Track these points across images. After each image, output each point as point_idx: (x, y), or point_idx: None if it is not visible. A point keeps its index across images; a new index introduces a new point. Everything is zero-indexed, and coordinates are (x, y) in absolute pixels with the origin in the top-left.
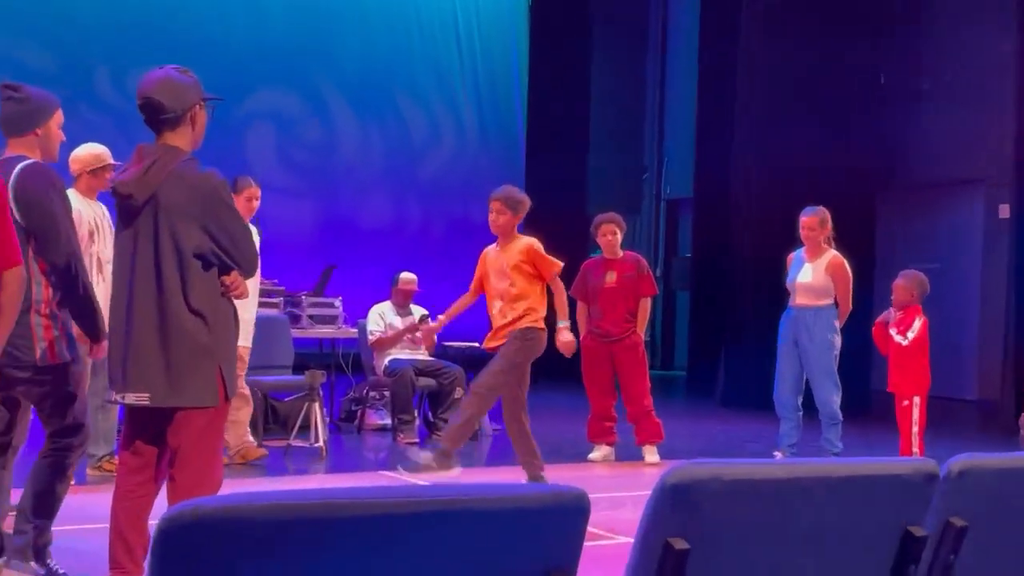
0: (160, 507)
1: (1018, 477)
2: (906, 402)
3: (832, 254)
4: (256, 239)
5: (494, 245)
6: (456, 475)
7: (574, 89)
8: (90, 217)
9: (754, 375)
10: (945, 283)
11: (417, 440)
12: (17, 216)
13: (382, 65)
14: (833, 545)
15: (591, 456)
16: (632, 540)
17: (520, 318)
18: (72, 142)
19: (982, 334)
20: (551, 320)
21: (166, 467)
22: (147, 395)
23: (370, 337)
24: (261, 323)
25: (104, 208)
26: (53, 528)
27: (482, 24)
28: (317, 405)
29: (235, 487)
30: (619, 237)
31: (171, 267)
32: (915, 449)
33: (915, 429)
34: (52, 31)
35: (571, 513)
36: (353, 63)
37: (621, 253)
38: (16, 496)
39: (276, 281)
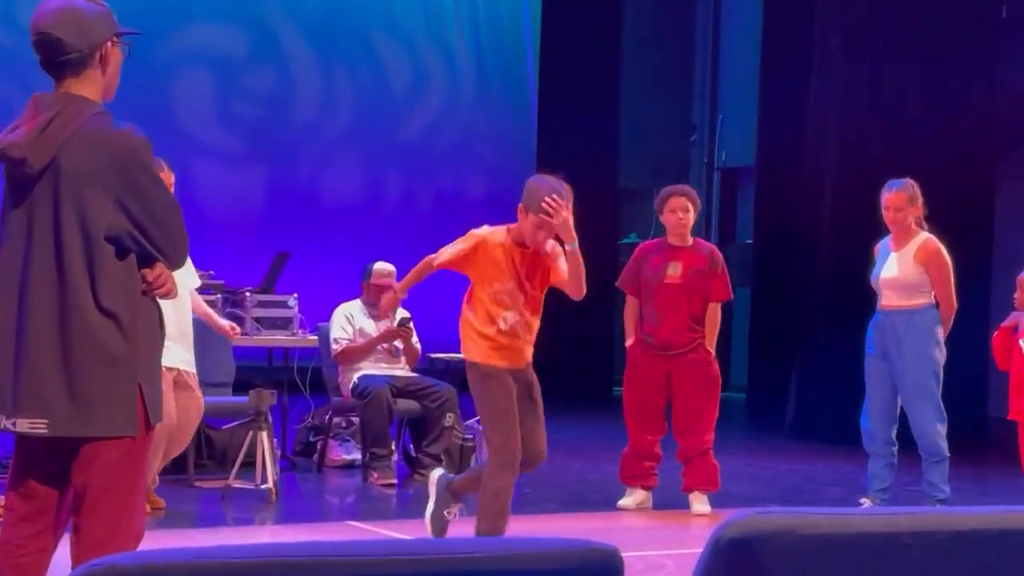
0: (60, 566)
1: None
2: None
3: (924, 238)
4: None
5: (507, 234)
6: (453, 517)
7: (602, 28)
8: None
9: (834, 399)
10: None
11: (395, 481)
12: None
13: None
14: None
15: (622, 502)
16: None
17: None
18: None
19: None
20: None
21: (68, 515)
22: (44, 422)
23: (334, 346)
24: (193, 329)
25: None
26: None
27: None
28: (265, 435)
29: (158, 541)
30: (692, 217)
31: (76, 254)
32: None
33: None
34: None
35: (600, 575)
36: None
37: (692, 240)
38: None
39: (211, 273)
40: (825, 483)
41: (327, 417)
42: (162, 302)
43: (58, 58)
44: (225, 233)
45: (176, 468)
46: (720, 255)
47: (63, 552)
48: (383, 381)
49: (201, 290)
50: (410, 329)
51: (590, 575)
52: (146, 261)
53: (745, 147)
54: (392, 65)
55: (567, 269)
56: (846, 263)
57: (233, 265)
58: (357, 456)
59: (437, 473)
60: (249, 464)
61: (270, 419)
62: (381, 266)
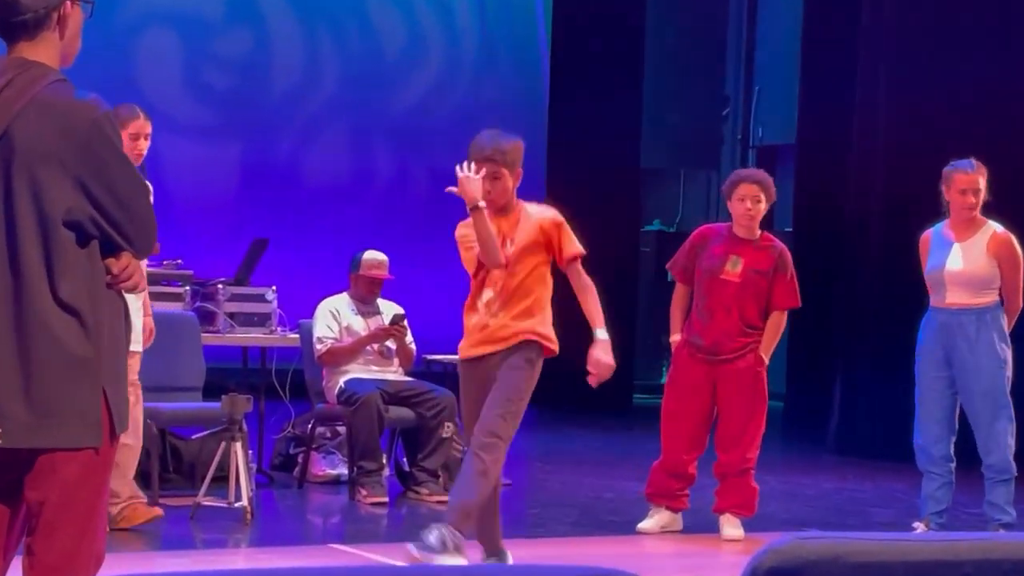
0: None
1: None
2: None
3: (994, 227)
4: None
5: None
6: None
7: None
8: None
9: (883, 409)
10: None
11: (386, 499)
12: None
13: None
14: None
15: (643, 525)
16: None
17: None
18: None
19: None
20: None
21: (20, 535)
22: None
23: (318, 346)
24: (157, 324)
25: None
26: None
27: None
28: (239, 446)
29: (120, 566)
30: (763, 208)
31: (31, 241)
32: None
33: None
34: None
35: None
36: None
37: (759, 233)
38: None
39: (179, 262)
40: (872, 504)
41: (309, 426)
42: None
43: (11, 19)
44: (194, 217)
45: (138, 484)
46: (790, 256)
47: None
48: (373, 386)
49: (167, 282)
50: (404, 327)
51: None
52: (111, 249)
53: (784, 123)
54: (384, 27)
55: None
56: (898, 256)
57: (203, 253)
58: (343, 471)
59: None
60: (221, 479)
61: (245, 428)
62: (371, 255)
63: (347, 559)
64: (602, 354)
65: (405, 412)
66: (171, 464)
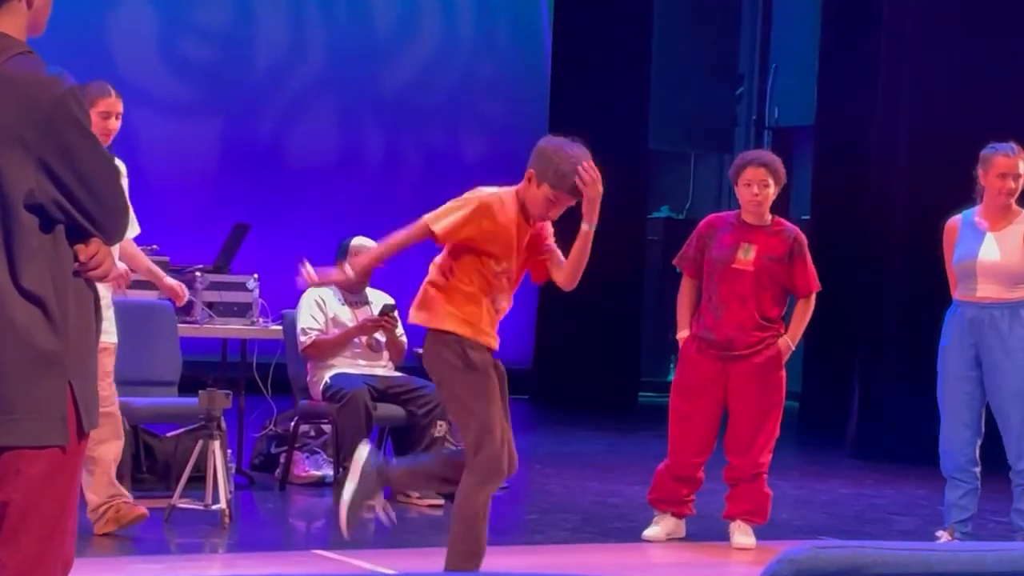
0: None
1: None
2: None
3: None
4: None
5: (511, 195)
6: (374, 515)
7: None
8: None
9: (905, 410)
10: None
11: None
12: None
13: None
14: None
15: (648, 533)
16: None
17: None
18: None
19: None
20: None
21: None
22: None
23: (303, 339)
24: (130, 314)
25: None
26: None
27: None
28: (218, 444)
29: (90, 571)
30: (772, 193)
31: None
32: None
33: None
34: None
35: None
36: None
37: (770, 218)
38: None
39: (155, 248)
40: (893, 511)
41: (292, 424)
42: None
43: None
44: (171, 200)
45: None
46: (805, 240)
47: None
48: (361, 381)
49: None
50: (395, 319)
51: None
52: (78, 235)
53: (802, 103)
54: (376, 2)
55: (574, 254)
56: (924, 245)
57: (181, 239)
58: (328, 472)
59: (365, 451)
60: (197, 480)
61: (223, 426)
62: (360, 242)
63: (331, 566)
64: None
65: (395, 409)
66: (144, 463)
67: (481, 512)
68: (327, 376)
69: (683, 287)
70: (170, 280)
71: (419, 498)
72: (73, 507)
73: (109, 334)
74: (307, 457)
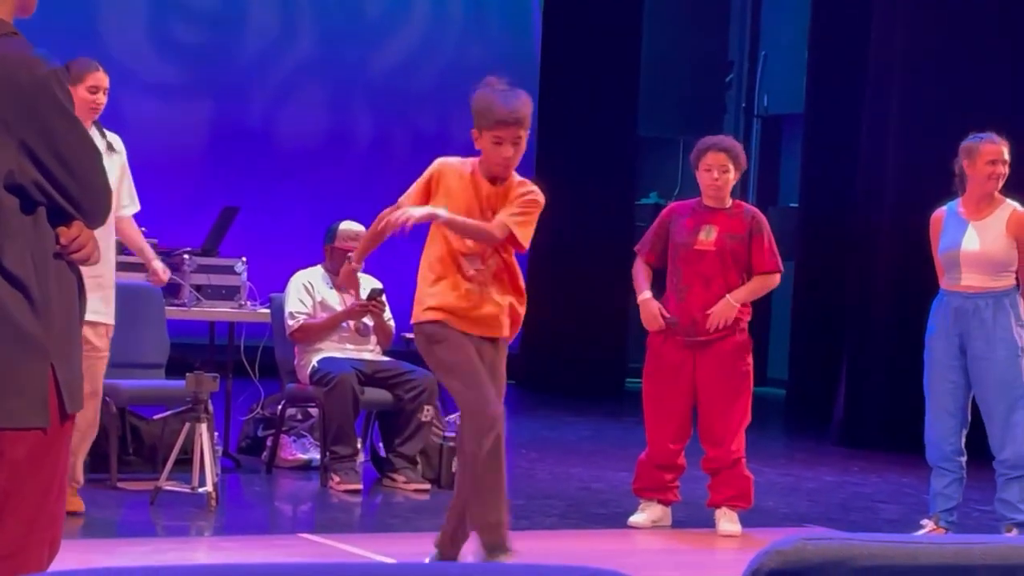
0: None
1: None
2: None
3: (1013, 206)
4: (118, 161)
5: (471, 161)
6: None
7: None
8: None
9: (891, 399)
10: None
11: (360, 486)
12: None
13: None
14: None
15: (634, 519)
16: None
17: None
18: None
19: None
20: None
21: None
22: None
23: (290, 322)
24: (118, 296)
25: None
26: None
27: None
28: (205, 427)
29: (74, 554)
30: (732, 178)
31: None
32: None
33: None
34: None
35: None
36: None
37: (730, 202)
38: None
39: (143, 230)
40: (878, 500)
41: (279, 408)
42: None
43: None
44: (159, 182)
45: (96, 466)
46: (764, 219)
47: None
48: (348, 366)
49: (129, 251)
50: (383, 303)
51: None
52: (59, 217)
53: (792, 91)
54: None
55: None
56: (912, 233)
57: (169, 221)
58: (315, 456)
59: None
60: (184, 463)
61: (211, 409)
62: (348, 226)
63: (318, 550)
64: None
65: (382, 394)
66: (131, 445)
67: (490, 465)
68: (315, 360)
69: (636, 265)
70: (158, 263)
71: (405, 482)
72: (60, 490)
73: (106, 315)
74: (294, 441)
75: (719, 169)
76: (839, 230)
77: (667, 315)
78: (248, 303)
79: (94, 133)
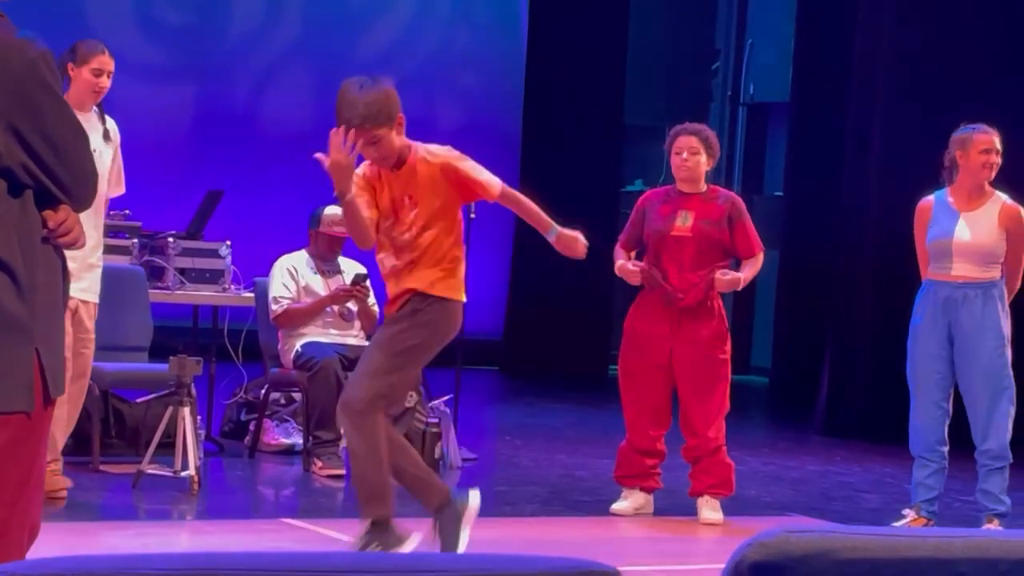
0: None
1: None
2: None
3: (1003, 198)
4: (111, 144)
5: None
6: (414, 545)
7: None
8: None
9: (874, 388)
10: None
11: (343, 471)
12: None
13: None
14: None
15: (616, 507)
16: None
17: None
18: None
19: None
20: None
21: None
22: None
23: (274, 307)
24: (102, 279)
25: None
26: None
27: None
28: (188, 411)
29: (55, 537)
30: (702, 161)
31: None
32: None
33: None
34: None
35: None
36: None
37: (705, 187)
38: None
39: (127, 213)
40: (860, 489)
41: (263, 392)
42: None
43: None
44: (144, 166)
45: (78, 449)
46: (742, 203)
47: None
48: (332, 350)
49: (114, 233)
50: (367, 288)
51: None
52: (46, 201)
53: (778, 79)
54: None
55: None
56: (897, 222)
57: (153, 205)
58: (298, 440)
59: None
60: (167, 446)
61: (194, 392)
62: (333, 211)
63: (299, 534)
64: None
65: None
66: (113, 428)
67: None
68: (298, 344)
69: (615, 250)
70: None
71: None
72: (40, 474)
73: (91, 293)
74: (277, 425)
75: (688, 151)
76: (824, 219)
77: (646, 267)
78: (232, 287)
79: (94, 117)
